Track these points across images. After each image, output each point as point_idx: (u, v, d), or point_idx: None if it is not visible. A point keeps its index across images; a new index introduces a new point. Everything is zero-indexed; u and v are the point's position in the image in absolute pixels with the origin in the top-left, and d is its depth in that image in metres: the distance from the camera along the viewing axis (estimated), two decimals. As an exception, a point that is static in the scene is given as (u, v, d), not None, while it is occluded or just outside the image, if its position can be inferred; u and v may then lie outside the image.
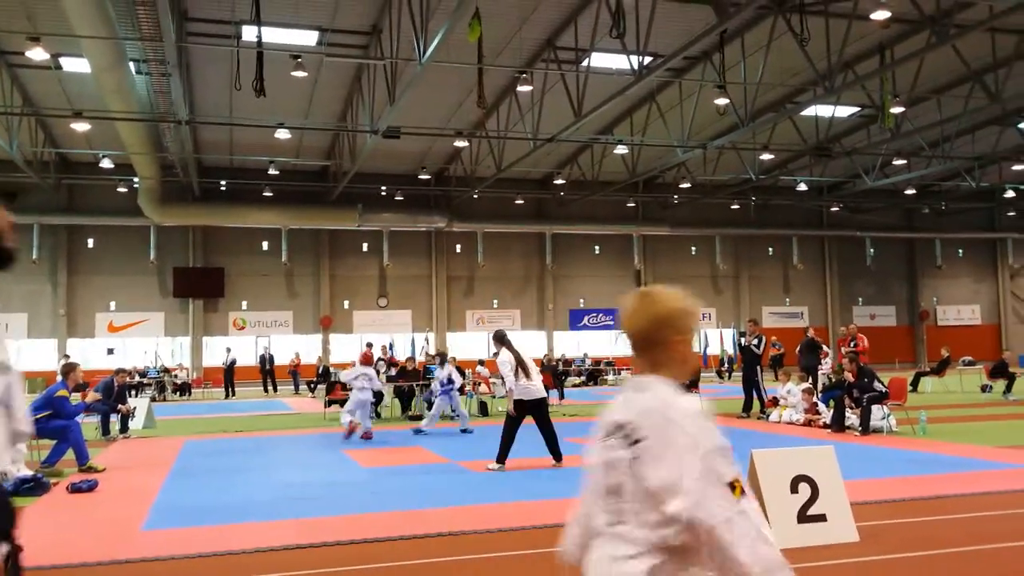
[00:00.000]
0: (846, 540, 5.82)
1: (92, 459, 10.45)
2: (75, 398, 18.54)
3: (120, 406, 14.46)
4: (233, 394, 27.71)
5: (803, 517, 5.80)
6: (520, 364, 9.86)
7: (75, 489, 8.83)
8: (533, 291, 37.77)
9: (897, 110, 23.82)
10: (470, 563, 5.74)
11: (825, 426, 13.33)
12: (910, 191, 37.85)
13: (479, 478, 9.44)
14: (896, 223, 41.21)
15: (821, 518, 5.84)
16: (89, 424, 13.74)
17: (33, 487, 8.75)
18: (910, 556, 5.61)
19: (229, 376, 28.29)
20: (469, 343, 35.90)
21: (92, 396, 13.23)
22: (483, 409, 18.39)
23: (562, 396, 22.22)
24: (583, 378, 31.59)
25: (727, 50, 20.79)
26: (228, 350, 29.72)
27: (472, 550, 6.01)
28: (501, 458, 9.80)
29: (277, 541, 6.31)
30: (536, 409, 9.88)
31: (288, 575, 5.51)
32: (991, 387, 20.48)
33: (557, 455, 9.85)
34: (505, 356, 10.03)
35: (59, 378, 11.16)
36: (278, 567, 5.67)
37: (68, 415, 10.72)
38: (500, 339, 10.26)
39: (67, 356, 28.11)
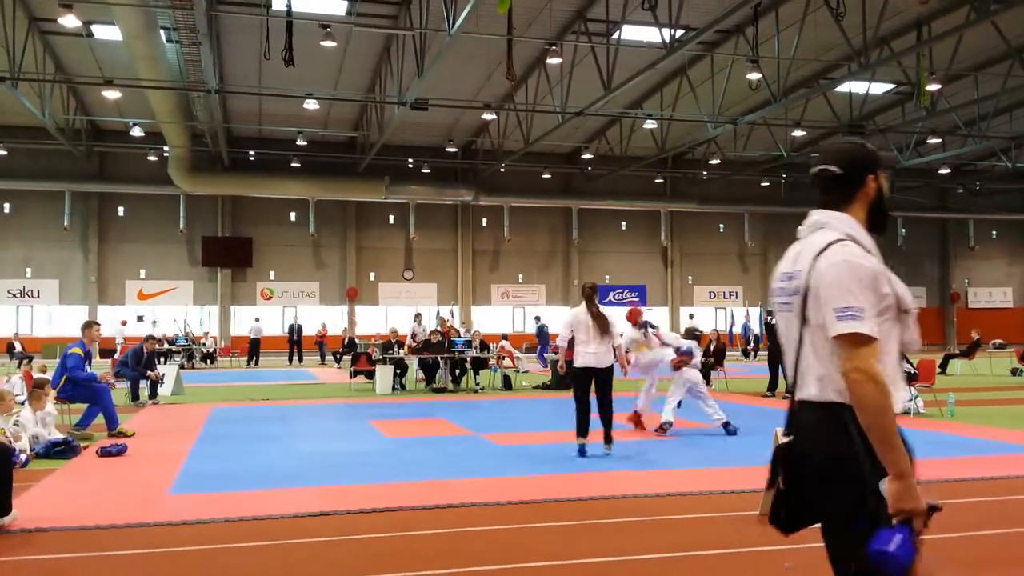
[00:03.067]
0: (869, 521, 5.77)
1: (122, 424, 10.60)
2: (104, 365, 18.82)
3: (149, 372, 14.70)
4: (256, 364, 28.01)
5: (826, 497, 5.75)
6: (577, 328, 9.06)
7: (104, 453, 8.97)
8: (559, 266, 37.71)
9: (933, 87, 23.36)
10: (489, 533, 5.78)
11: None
12: (944, 170, 37.22)
13: (501, 450, 9.47)
14: (929, 203, 40.48)
15: (844, 498, 5.78)
16: (119, 390, 13.95)
17: (63, 450, 8.90)
18: (931, 538, 5.55)
19: (254, 346, 28.66)
20: (494, 317, 36.02)
21: (107, 373, 13.27)
22: (507, 383, 18.43)
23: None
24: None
25: (761, 23, 20.47)
26: (256, 319, 30.28)
27: (492, 521, 6.05)
28: (578, 431, 8.85)
29: (302, 508, 6.39)
30: (594, 380, 8.97)
31: (312, 541, 5.58)
32: (1022, 371, 20.21)
33: (606, 437, 8.89)
34: (568, 317, 9.36)
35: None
36: (303, 533, 5.74)
37: (70, 370, 10.48)
38: (583, 290, 9.50)
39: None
